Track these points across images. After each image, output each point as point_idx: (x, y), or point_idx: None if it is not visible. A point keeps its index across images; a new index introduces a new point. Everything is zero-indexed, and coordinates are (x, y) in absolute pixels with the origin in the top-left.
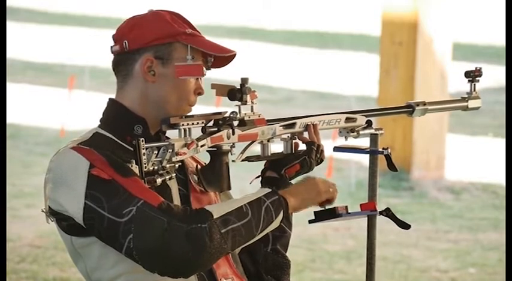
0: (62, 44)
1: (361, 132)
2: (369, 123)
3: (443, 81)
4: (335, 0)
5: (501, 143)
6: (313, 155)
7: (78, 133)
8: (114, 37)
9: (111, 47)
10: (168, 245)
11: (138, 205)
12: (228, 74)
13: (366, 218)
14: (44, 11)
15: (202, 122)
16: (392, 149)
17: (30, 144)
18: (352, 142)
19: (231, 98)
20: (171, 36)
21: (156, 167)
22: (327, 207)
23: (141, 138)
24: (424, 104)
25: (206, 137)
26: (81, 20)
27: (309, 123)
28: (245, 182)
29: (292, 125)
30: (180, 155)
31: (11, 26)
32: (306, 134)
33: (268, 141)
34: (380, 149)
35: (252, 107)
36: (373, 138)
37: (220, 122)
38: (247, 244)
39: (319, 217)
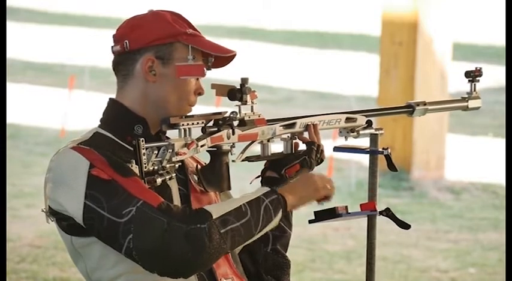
0: (62, 44)
1: (361, 132)
2: (369, 123)
3: (443, 81)
4: (335, 0)
5: (501, 143)
6: (313, 155)
7: (78, 133)
8: (115, 37)
9: (112, 47)
10: (167, 246)
11: (138, 205)
12: (228, 74)
13: (366, 218)
14: (44, 11)
15: (202, 122)
16: (393, 149)
17: (30, 144)
18: (352, 141)
19: (231, 98)
20: (172, 36)
21: (156, 167)
22: (324, 204)
23: (141, 138)
24: (424, 104)
25: (206, 137)
26: (81, 20)
27: (309, 123)
28: (245, 182)
29: (292, 125)
30: (180, 155)
31: (11, 26)
32: (306, 134)
33: (268, 141)
34: (380, 149)
35: (252, 107)
36: (373, 138)
37: (220, 122)
38: (247, 243)
39: (319, 217)
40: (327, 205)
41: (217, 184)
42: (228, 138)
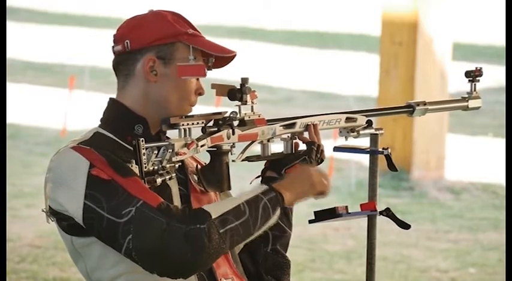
0: (62, 44)
1: (361, 132)
2: (369, 123)
3: (443, 81)
4: (335, 0)
5: (501, 143)
6: (314, 155)
7: (79, 133)
8: (115, 37)
9: (113, 46)
10: (166, 246)
11: (138, 205)
12: (228, 74)
13: (366, 218)
14: (44, 11)
15: (202, 122)
16: (393, 149)
17: (30, 144)
18: (352, 141)
19: (231, 98)
20: (173, 36)
21: (156, 167)
22: (320, 199)
23: (141, 138)
24: (425, 104)
25: (206, 137)
26: (81, 20)
27: (309, 123)
28: (245, 182)
29: (293, 125)
30: (180, 155)
31: (11, 26)
32: (306, 134)
33: (268, 141)
34: (380, 149)
35: (252, 107)
36: (373, 138)
37: (220, 122)
38: (245, 241)
39: (319, 217)
40: (327, 205)
41: (217, 184)
42: (228, 138)
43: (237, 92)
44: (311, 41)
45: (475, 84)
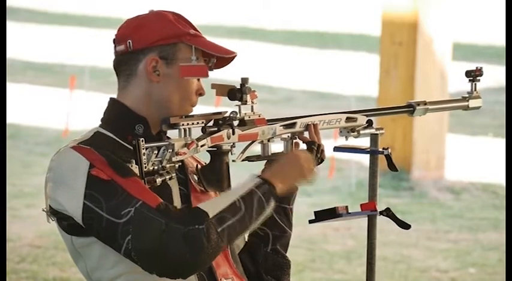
0: (62, 44)
1: (361, 132)
2: (369, 123)
3: (443, 81)
4: (335, 0)
5: (501, 143)
6: (314, 154)
7: (80, 133)
8: (117, 37)
9: (115, 46)
10: (165, 247)
11: (137, 206)
12: (228, 74)
13: (366, 218)
14: (44, 11)
15: (202, 122)
16: (393, 149)
17: (30, 144)
18: (352, 141)
19: (231, 98)
20: (175, 36)
21: (156, 167)
22: (307, 185)
23: (141, 138)
24: (425, 103)
25: (206, 137)
26: (81, 20)
27: (309, 123)
28: None
29: (293, 125)
30: (180, 155)
31: (11, 26)
32: (306, 134)
33: (268, 141)
34: (380, 149)
35: (252, 107)
36: (374, 138)
37: (220, 122)
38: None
39: (319, 217)
40: (327, 205)
41: (217, 183)
42: (228, 138)
43: (237, 92)
44: (311, 41)
45: (475, 84)
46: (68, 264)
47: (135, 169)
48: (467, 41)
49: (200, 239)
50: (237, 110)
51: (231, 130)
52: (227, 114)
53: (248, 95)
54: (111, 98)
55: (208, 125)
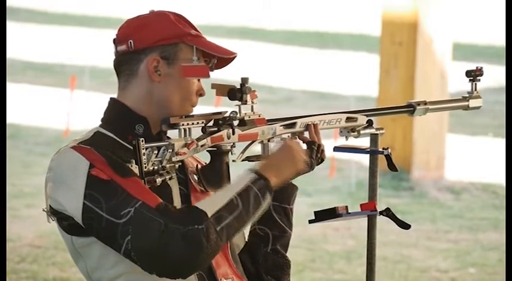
0: (62, 44)
1: (362, 132)
2: (369, 123)
3: (443, 81)
4: (335, 0)
5: (501, 143)
6: (314, 154)
7: (79, 133)
8: (118, 37)
9: (116, 46)
10: (165, 247)
11: (136, 206)
12: (228, 74)
13: (366, 218)
14: (44, 11)
15: (202, 122)
16: (393, 149)
17: (30, 144)
18: (352, 141)
19: (231, 98)
20: (177, 36)
21: (156, 167)
22: (299, 175)
23: (141, 138)
24: (425, 103)
25: (206, 137)
26: (81, 20)
27: (309, 123)
28: None
29: (293, 125)
30: (180, 155)
31: (11, 26)
32: (306, 134)
33: (268, 141)
34: (380, 149)
35: (252, 106)
36: (373, 138)
37: (220, 122)
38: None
39: (319, 217)
40: (327, 205)
41: (217, 183)
42: (228, 138)
43: (237, 92)
44: (311, 41)
45: (475, 84)
46: (68, 264)
47: (135, 169)
48: (467, 41)
49: (200, 239)
50: (237, 110)
51: (231, 130)
52: (227, 114)
53: (248, 95)
54: (111, 98)
55: (208, 125)
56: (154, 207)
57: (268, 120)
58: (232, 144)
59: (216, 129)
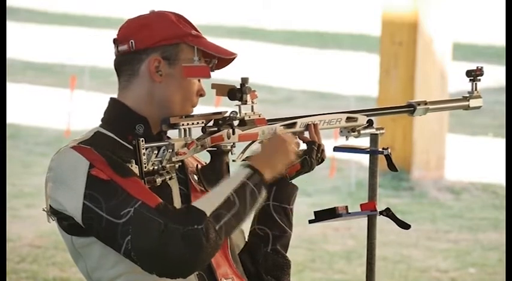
0: (62, 44)
1: (362, 131)
2: (370, 123)
3: (443, 81)
4: (335, 0)
5: (501, 143)
6: (314, 154)
7: (80, 133)
8: (118, 37)
9: (117, 46)
10: (165, 247)
11: (136, 206)
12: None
13: (366, 218)
14: (44, 11)
15: (202, 122)
16: (393, 149)
17: (30, 144)
18: (352, 141)
19: (231, 98)
20: (178, 37)
21: (156, 167)
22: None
23: (141, 138)
24: (425, 103)
25: (206, 137)
26: (81, 20)
27: (309, 123)
28: None
29: (293, 125)
30: (180, 154)
31: (11, 26)
32: (306, 134)
33: None
34: (380, 149)
35: (252, 106)
36: (373, 138)
37: (220, 121)
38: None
39: (319, 217)
40: (327, 205)
41: (217, 183)
42: (228, 138)
43: (237, 92)
44: (311, 41)
45: (476, 84)
46: (68, 264)
47: (135, 168)
48: (467, 41)
49: (199, 239)
50: (237, 110)
51: (231, 130)
52: (227, 114)
53: (248, 95)
54: (111, 98)
55: (208, 125)
56: (154, 207)
57: (269, 120)
58: (232, 144)
59: (216, 129)
